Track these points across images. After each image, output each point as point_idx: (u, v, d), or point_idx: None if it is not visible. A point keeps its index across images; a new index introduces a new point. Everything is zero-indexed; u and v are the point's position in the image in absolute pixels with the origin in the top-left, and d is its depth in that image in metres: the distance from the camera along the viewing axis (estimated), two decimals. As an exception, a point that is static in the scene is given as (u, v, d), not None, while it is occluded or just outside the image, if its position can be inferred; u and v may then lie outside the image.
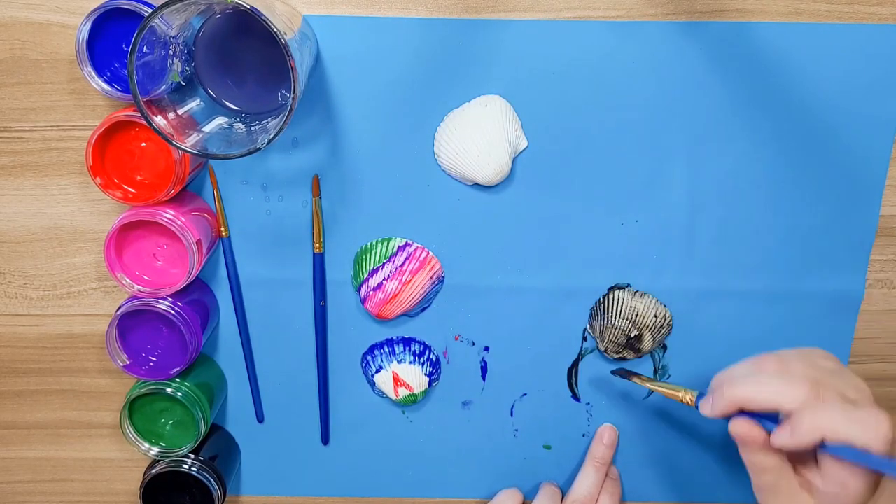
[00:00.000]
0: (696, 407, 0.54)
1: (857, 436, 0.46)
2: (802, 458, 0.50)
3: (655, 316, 0.61)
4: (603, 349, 0.62)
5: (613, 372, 0.62)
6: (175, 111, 0.48)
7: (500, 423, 0.65)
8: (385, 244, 0.60)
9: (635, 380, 0.60)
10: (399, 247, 0.60)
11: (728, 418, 0.51)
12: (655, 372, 0.64)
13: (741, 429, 0.50)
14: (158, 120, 0.46)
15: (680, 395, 0.56)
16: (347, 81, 0.56)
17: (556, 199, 0.59)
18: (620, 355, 0.62)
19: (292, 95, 0.45)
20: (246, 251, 0.60)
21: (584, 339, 0.63)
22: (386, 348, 0.63)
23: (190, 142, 0.47)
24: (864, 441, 0.46)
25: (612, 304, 0.61)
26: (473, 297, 0.62)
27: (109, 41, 0.53)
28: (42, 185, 0.59)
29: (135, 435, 0.60)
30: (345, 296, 0.62)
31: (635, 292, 0.61)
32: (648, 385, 0.59)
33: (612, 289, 0.61)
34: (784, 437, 0.48)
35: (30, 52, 0.55)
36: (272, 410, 0.65)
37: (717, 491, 0.67)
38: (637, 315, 0.61)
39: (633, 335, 0.61)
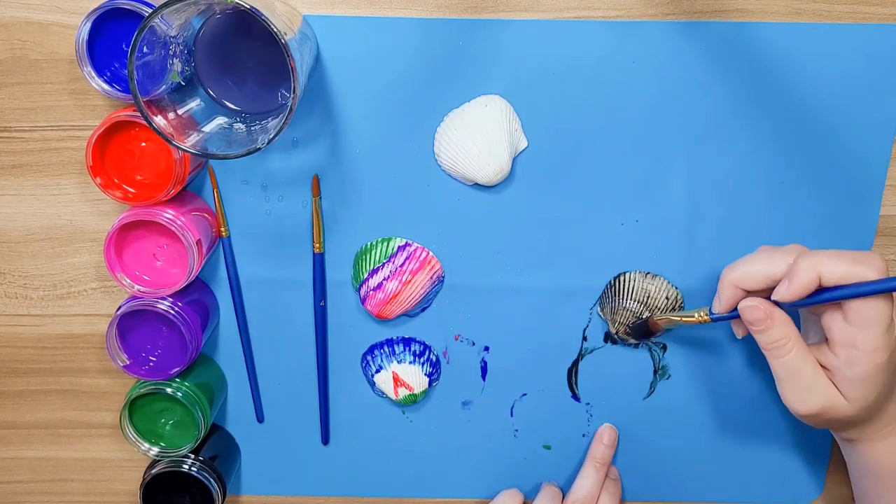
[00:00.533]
0: (711, 319, 0.55)
1: (851, 269, 0.47)
2: (819, 348, 0.51)
3: (667, 298, 0.61)
4: (614, 331, 0.62)
5: (629, 329, 0.61)
6: (175, 111, 0.48)
7: (500, 423, 0.65)
8: (385, 244, 0.60)
9: (656, 320, 0.59)
10: (399, 247, 0.60)
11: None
12: (656, 372, 0.64)
13: (747, 304, 0.52)
14: (158, 120, 0.46)
15: (695, 316, 0.56)
16: (347, 81, 0.56)
17: (556, 199, 0.59)
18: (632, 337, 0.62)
19: (292, 95, 0.45)
20: (246, 251, 0.60)
21: (584, 339, 0.63)
22: (386, 348, 0.63)
23: (190, 142, 0.47)
24: (860, 272, 0.47)
25: (623, 285, 0.61)
26: (473, 297, 0.62)
27: (109, 41, 0.53)
28: (42, 185, 0.59)
29: (135, 435, 0.60)
30: (345, 296, 0.62)
31: (646, 274, 0.61)
32: (666, 318, 0.58)
33: (623, 272, 0.61)
34: (783, 288, 0.50)
35: (30, 52, 0.55)
36: (272, 410, 0.65)
37: (716, 491, 0.67)
38: (648, 297, 0.61)
39: (644, 317, 0.61)
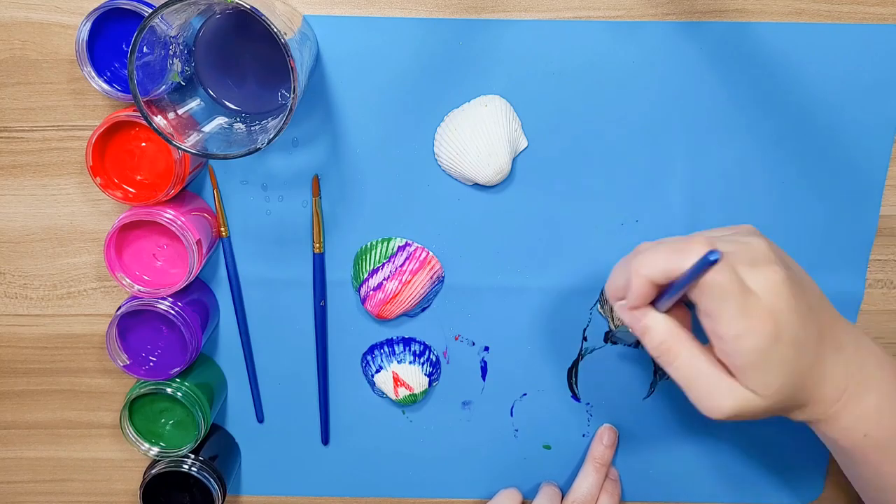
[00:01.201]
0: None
1: (669, 263, 0.43)
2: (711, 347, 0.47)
3: None
4: (615, 327, 0.62)
5: (607, 338, 0.62)
6: (175, 111, 0.48)
7: (500, 423, 0.65)
8: (385, 244, 0.60)
9: (616, 327, 0.60)
10: (399, 247, 0.60)
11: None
12: (656, 372, 0.64)
13: (618, 305, 0.48)
14: (158, 120, 0.46)
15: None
16: (347, 81, 0.56)
17: (556, 199, 0.59)
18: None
19: (292, 95, 0.45)
20: (246, 251, 0.60)
21: (584, 338, 0.63)
22: (386, 348, 0.63)
23: (190, 142, 0.47)
24: (677, 264, 0.43)
25: None
26: (473, 297, 0.62)
27: (109, 41, 0.53)
28: (42, 185, 0.59)
29: (135, 435, 0.60)
30: (345, 296, 0.62)
31: None
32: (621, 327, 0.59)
33: None
34: (625, 299, 0.46)
35: (30, 52, 0.55)
36: (272, 410, 0.65)
37: (716, 491, 0.67)
38: None
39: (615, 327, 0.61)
